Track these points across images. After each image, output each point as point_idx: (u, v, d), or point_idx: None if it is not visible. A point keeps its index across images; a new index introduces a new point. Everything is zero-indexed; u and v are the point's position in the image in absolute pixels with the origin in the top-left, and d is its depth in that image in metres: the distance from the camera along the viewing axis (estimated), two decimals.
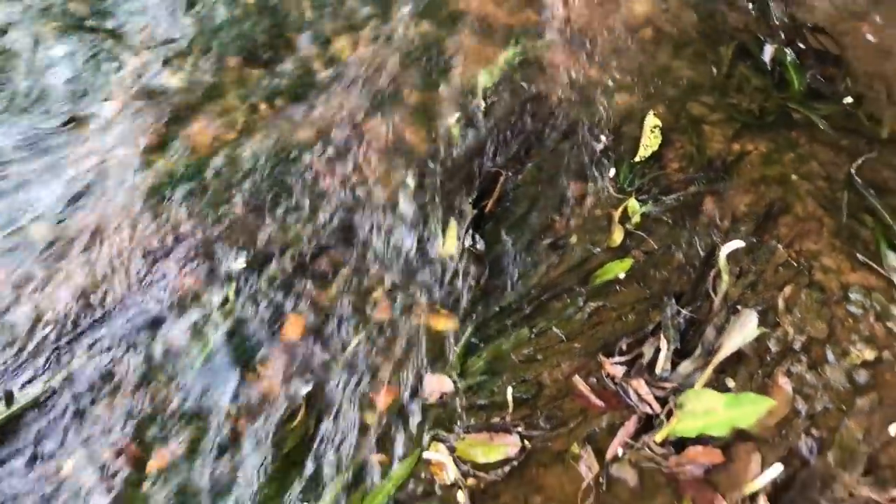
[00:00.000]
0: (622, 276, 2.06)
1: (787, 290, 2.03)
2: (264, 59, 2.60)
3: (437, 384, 1.89)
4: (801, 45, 2.56)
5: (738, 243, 1.89)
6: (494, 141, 2.36)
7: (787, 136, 2.34)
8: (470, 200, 2.21)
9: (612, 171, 2.24)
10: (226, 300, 2.03)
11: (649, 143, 2.31)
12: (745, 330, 1.76)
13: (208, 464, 1.79)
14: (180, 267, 2.11)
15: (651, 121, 2.34)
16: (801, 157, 2.32)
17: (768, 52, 2.51)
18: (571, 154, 2.34)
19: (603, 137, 2.34)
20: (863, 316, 1.98)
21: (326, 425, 1.85)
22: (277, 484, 1.76)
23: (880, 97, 2.43)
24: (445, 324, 2.00)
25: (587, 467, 1.75)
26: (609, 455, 1.76)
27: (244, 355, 1.95)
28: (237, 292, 2.05)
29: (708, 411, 1.70)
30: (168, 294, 2.06)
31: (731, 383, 1.88)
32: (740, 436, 1.79)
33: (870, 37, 2.61)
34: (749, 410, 1.68)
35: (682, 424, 1.70)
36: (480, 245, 2.11)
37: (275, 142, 2.37)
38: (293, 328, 1.99)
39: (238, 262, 2.08)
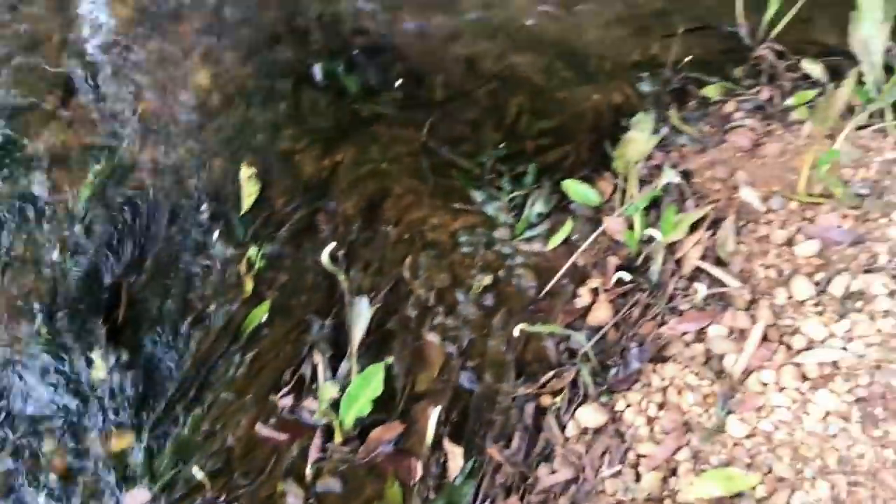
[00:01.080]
0: (265, 318, 2.27)
1: (408, 260, 2.35)
2: None
3: (135, 499, 2.00)
4: (352, 52, 2.94)
5: (331, 246, 2.17)
6: (105, 256, 2.50)
7: (368, 134, 2.70)
8: (100, 320, 2.32)
9: (218, 232, 2.44)
10: None
11: (250, 191, 2.57)
12: (361, 315, 2.04)
13: None
14: None
15: (245, 172, 2.61)
16: (384, 146, 2.69)
17: (317, 71, 2.86)
18: (183, 234, 2.53)
19: (205, 206, 2.56)
20: (473, 251, 2.36)
21: None
22: None
23: (428, 68, 2.86)
24: (123, 442, 2.11)
25: (294, 497, 1.94)
26: (308, 476, 1.96)
27: None
28: None
29: (351, 397, 1.95)
30: None
31: (390, 359, 2.14)
32: (413, 398, 2.06)
33: (407, 19, 3.06)
34: (374, 381, 1.96)
35: (345, 418, 1.94)
36: (125, 356, 2.24)
37: None
38: None
39: None
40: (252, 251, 2.39)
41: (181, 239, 2.53)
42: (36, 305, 2.42)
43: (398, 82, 2.83)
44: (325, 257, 2.07)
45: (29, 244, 2.59)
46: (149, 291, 2.42)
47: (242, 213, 2.53)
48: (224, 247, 2.46)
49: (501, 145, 2.59)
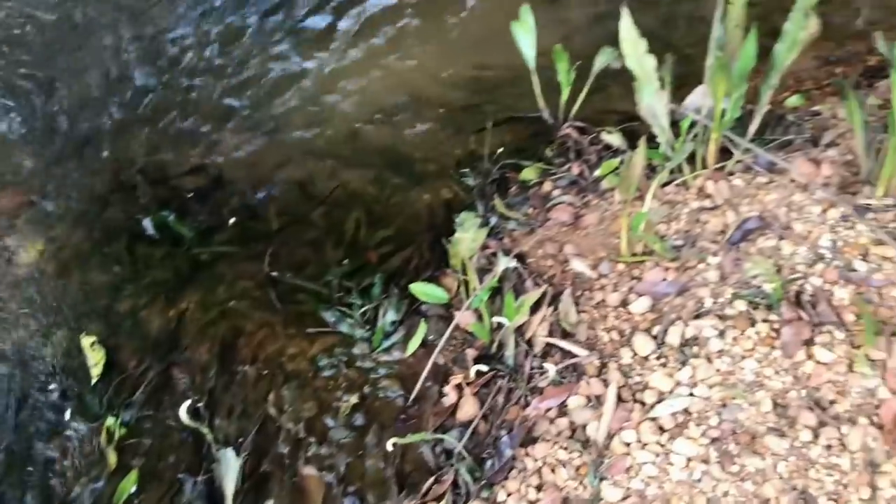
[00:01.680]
0: (134, 488, 2.19)
1: (271, 396, 2.33)
2: None
3: None
4: (182, 198, 2.94)
5: (187, 402, 2.13)
6: None
7: (210, 276, 2.69)
8: None
9: (71, 409, 2.35)
10: None
11: (95, 360, 2.49)
12: (230, 467, 2.01)
13: None
14: None
15: (86, 341, 2.53)
16: (228, 285, 2.68)
17: (148, 225, 2.85)
18: (34, 419, 2.41)
19: (53, 385, 2.46)
20: (336, 373, 2.37)
21: None
22: None
23: (261, 198, 2.89)
24: None
25: None
26: None
27: None
28: None
29: None
30: None
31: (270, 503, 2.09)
32: None
33: (234, 153, 3.10)
34: None
35: None
36: None
37: None
38: None
39: None
40: (110, 421, 2.32)
41: (33, 425, 2.41)
42: None
43: (232, 219, 2.85)
44: (183, 414, 2.04)
45: None
46: (7, 488, 2.29)
47: (93, 383, 2.43)
48: (80, 423, 2.36)
49: (345, 262, 2.64)
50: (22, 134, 3.35)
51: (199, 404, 2.28)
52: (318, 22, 3.57)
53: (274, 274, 2.66)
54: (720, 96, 2.25)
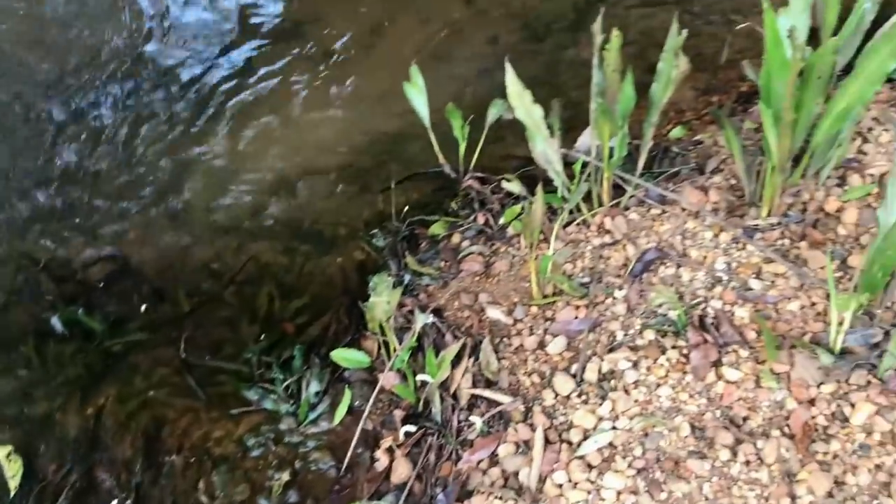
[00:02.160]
0: None
1: (201, 484, 2.28)
2: None
3: None
4: (89, 292, 2.88)
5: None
6: None
7: (125, 368, 2.64)
8: None
9: None
10: None
11: (13, 471, 2.41)
12: None
13: None
14: None
15: (1, 451, 2.43)
16: (144, 374, 2.64)
17: (56, 322, 2.77)
18: None
19: None
20: (265, 451, 2.33)
21: None
22: None
23: (170, 282, 2.85)
24: None
25: None
26: None
27: None
28: None
29: None
30: None
31: None
32: None
33: (141, 241, 3.06)
34: None
35: None
36: None
37: None
38: None
39: None
40: None
41: None
42: None
43: (143, 306, 2.80)
44: None
45: None
46: None
47: (12, 496, 2.34)
48: None
49: (262, 337, 2.63)
50: None
51: (127, 502, 2.20)
52: (211, 106, 3.57)
53: (190, 358, 2.60)
54: (606, 138, 2.35)
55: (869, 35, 2.10)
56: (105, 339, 2.74)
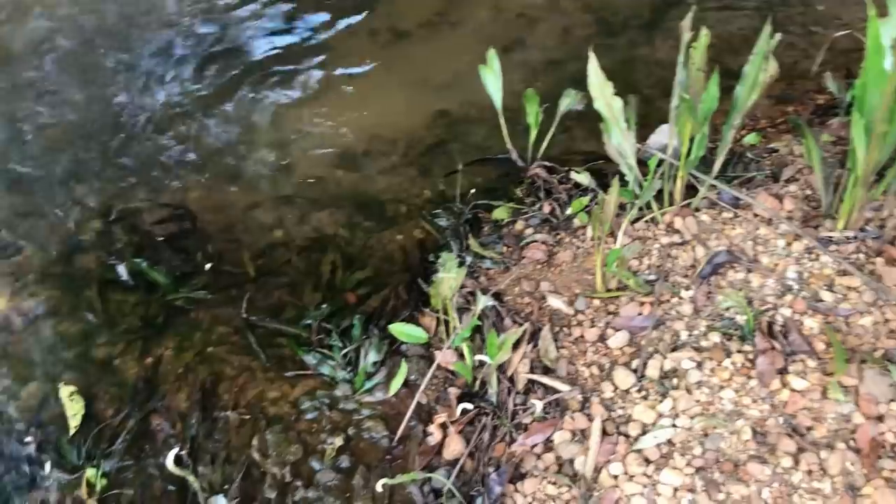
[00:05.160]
0: None
1: (255, 441, 2.29)
2: None
3: None
4: (156, 244, 2.91)
5: (174, 450, 2.09)
6: None
7: (187, 322, 2.65)
8: None
9: (49, 462, 2.28)
10: None
11: (74, 411, 2.42)
12: None
13: None
14: None
15: (65, 391, 2.46)
16: (206, 330, 2.64)
17: (122, 270, 2.80)
18: (10, 474, 2.33)
19: (29, 438, 2.38)
20: (319, 415, 2.33)
21: None
22: None
23: (235, 244, 2.87)
24: None
25: None
26: None
27: None
28: None
29: None
30: None
31: None
32: None
33: (207, 200, 3.08)
34: None
35: None
36: None
37: None
38: None
39: None
40: (90, 472, 2.26)
41: (9, 479, 2.34)
42: None
43: (207, 265, 2.81)
44: (170, 462, 2.01)
45: None
46: None
47: (71, 434, 2.37)
48: (58, 475, 2.29)
49: (323, 304, 2.63)
50: None
51: (182, 452, 2.22)
52: (286, 70, 3.58)
53: (252, 318, 2.61)
54: (686, 136, 2.32)
55: None
56: (168, 293, 2.75)
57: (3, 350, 2.66)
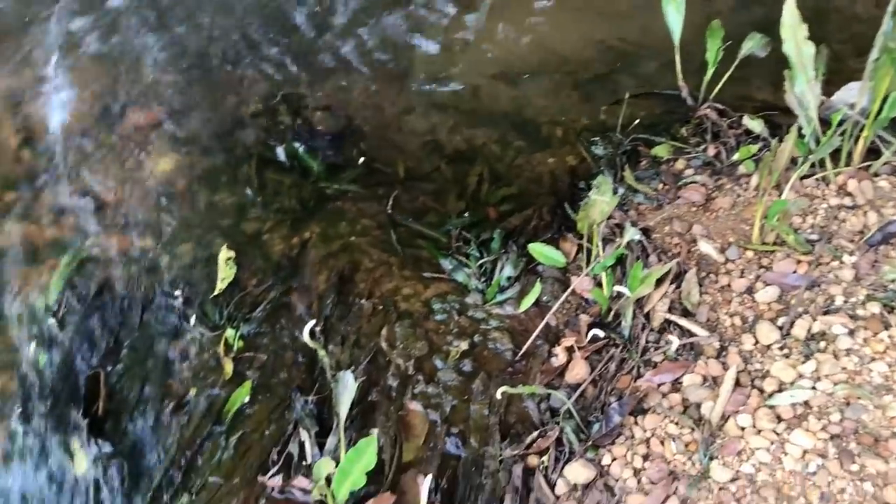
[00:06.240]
0: (247, 399, 2.26)
1: (384, 331, 2.37)
2: None
3: None
4: (314, 133, 3.00)
5: (311, 323, 2.18)
6: (80, 347, 2.46)
7: (334, 211, 2.74)
8: (80, 412, 2.27)
9: (194, 317, 2.43)
10: None
11: (225, 274, 2.57)
12: (347, 389, 2.04)
13: None
14: None
15: (224, 254, 2.61)
16: (351, 221, 2.72)
17: (280, 152, 2.91)
18: (157, 321, 2.51)
19: (178, 292, 2.55)
20: (447, 318, 2.38)
21: None
22: None
23: (386, 143, 2.92)
24: None
25: None
26: None
27: None
28: None
29: (343, 472, 1.94)
30: None
31: (374, 431, 2.13)
32: (401, 467, 2.06)
33: (365, 99, 3.14)
34: (367, 454, 1.95)
35: (338, 493, 1.92)
36: (107, 448, 2.20)
37: None
38: None
39: None
40: (229, 333, 2.39)
41: (156, 325, 2.51)
42: (12, 403, 2.35)
43: (361, 159, 2.87)
44: (306, 334, 2.09)
45: (0, 341, 2.53)
46: (127, 380, 2.39)
47: (215, 295, 2.50)
48: (200, 330, 2.43)
49: (465, 214, 2.65)
50: (162, 56, 3.42)
51: (316, 328, 2.30)
52: None
53: (396, 217, 2.66)
54: (881, 93, 2.15)
55: None
56: (320, 180, 2.83)
57: (161, 210, 2.81)
